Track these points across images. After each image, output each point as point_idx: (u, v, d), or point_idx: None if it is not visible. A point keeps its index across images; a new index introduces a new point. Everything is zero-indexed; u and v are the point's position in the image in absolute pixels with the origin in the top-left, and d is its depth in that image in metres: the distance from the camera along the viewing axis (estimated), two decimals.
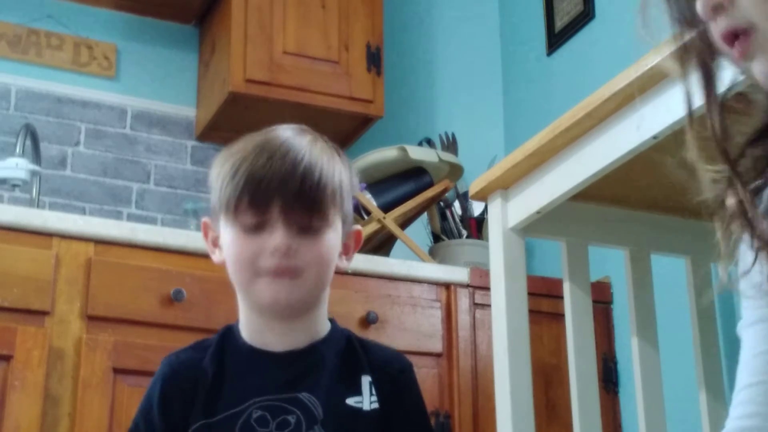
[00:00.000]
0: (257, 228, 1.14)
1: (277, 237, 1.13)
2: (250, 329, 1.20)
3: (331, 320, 1.25)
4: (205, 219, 1.24)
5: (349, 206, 1.22)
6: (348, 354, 1.23)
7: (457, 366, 2.34)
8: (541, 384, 2.32)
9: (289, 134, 1.19)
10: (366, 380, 1.21)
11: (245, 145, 1.19)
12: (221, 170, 1.19)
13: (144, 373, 2.00)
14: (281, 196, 1.13)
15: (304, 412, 1.15)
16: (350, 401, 1.18)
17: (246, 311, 1.21)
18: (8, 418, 1.89)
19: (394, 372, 1.24)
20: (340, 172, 1.19)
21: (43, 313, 1.99)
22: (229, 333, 1.22)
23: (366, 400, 1.20)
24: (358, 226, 1.28)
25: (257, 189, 1.14)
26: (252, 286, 1.15)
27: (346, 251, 1.24)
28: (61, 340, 1.99)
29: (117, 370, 2.01)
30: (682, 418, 2.07)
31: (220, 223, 1.19)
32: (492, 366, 1.75)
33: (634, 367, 1.83)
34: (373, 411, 1.19)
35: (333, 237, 1.18)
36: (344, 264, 1.24)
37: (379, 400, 1.20)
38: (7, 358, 1.92)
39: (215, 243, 1.22)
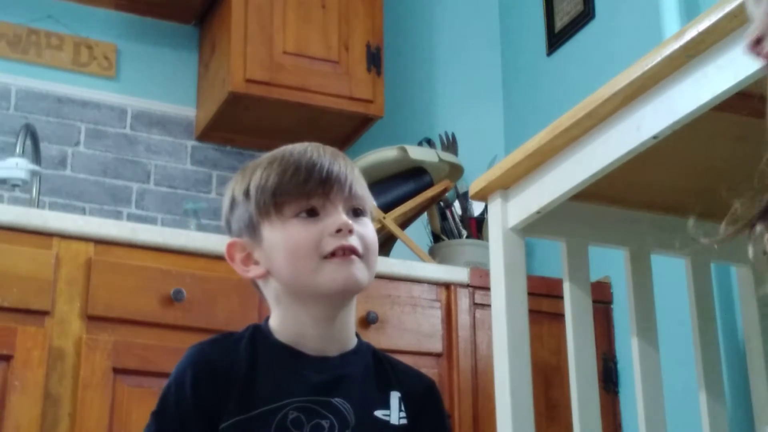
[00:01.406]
0: (312, 213, 1.16)
1: (338, 218, 1.16)
2: (287, 331, 1.19)
3: (356, 334, 1.25)
4: (230, 241, 1.22)
5: None
6: (377, 367, 1.23)
7: (457, 366, 2.34)
8: (541, 384, 2.32)
9: (294, 144, 1.23)
10: (395, 396, 1.21)
11: (260, 160, 1.22)
12: (249, 183, 1.20)
13: (144, 373, 2.01)
14: (326, 179, 1.17)
15: (337, 417, 1.15)
16: (378, 413, 1.19)
17: (287, 314, 1.19)
18: (8, 418, 1.89)
19: (421, 389, 1.25)
20: (356, 168, 1.25)
21: (43, 313, 1.99)
22: (259, 331, 1.21)
23: (394, 414, 1.20)
24: None
25: (300, 177, 1.17)
26: (319, 273, 1.15)
27: None
28: (61, 340, 1.99)
29: (117, 370, 2.01)
30: (682, 418, 2.07)
31: (264, 230, 1.18)
32: (492, 366, 1.75)
33: (634, 367, 1.83)
34: (401, 426, 1.20)
35: (374, 228, 1.22)
36: None
37: (408, 417, 1.20)
38: (7, 358, 1.92)
39: (247, 262, 1.21)
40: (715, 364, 1.89)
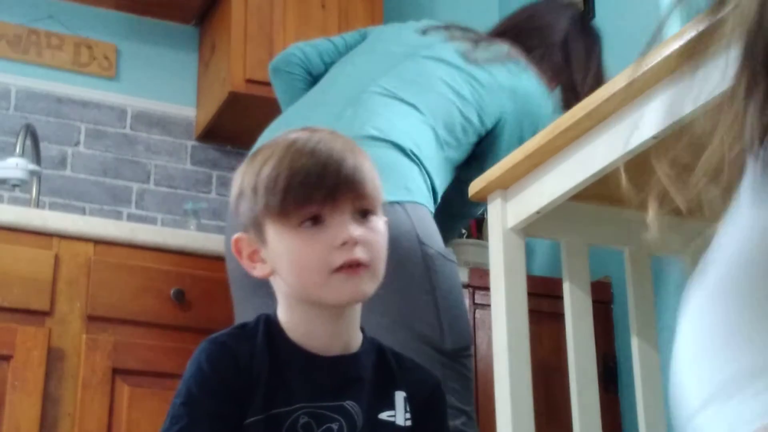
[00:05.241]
0: (317, 220, 1.12)
1: (342, 231, 1.11)
2: (295, 331, 1.17)
3: (361, 329, 1.23)
4: (237, 236, 1.19)
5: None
6: (382, 366, 1.22)
7: None
8: (541, 384, 2.32)
9: (309, 133, 1.17)
10: (400, 396, 1.20)
11: (272, 150, 1.15)
12: (257, 179, 1.14)
13: (144, 373, 2.01)
14: (333, 185, 1.11)
15: (347, 419, 1.14)
16: (383, 415, 1.18)
17: (295, 311, 1.17)
18: (8, 419, 1.89)
19: (427, 389, 1.24)
20: (368, 159, 1.19)
21: (43, 313, 1.99)
22: (273, 326, 1.18)
23: (400, 415, 1.19)
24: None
25: (307, 182, 1.11)
26: (326, 287, 1.12)
27: None
28: (61, 340, 1.99)
29: (117, 370, 2.01)
30: None
31: (268, 232, 1.14)
32: (492, 366, 1.75)
33: (634, 367, 1.83)
34: (407, 428, 1.19)
35: (382, 224, 1.17)
36: None
37: (412, 417, 1.20)
38: (7, 358, 1.93)
39: (254, 258, 1.18)
40: None
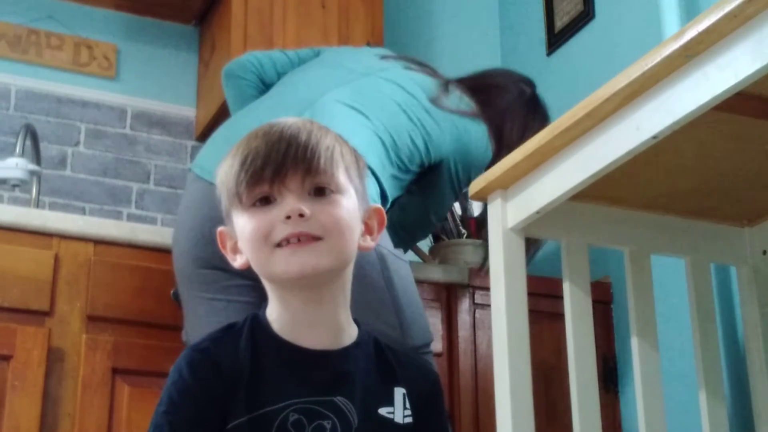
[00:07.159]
0: (265, 202, 1.13)
1: (286, 205, 1.12)
2: (281, 324, 1.17)
3: (356, 321, 1.23)
4: (220, 229, 1.22)
5: (359, 182, 1.20)
6: (379, 361, 1.21)
7: (458, 366, 2.34)
8: (541, 384, 2.32)
9: (272, 122, 1.21)
10: (400, 392, 1.19)
11: (239, 142, 1.20)
12: (221, 169, 1.19)
13: (144, 373, 2.00)
14: (280, 164, 1.12)
15: (339, 417, 1.13)
16: (382, 411, 1.17)
17: (276, 304, 1.18)
18: (8, 419, 1.89)
19: (427, 386, 1.23)
20: (334, 138, 1.18)
21: (43, 313, 1.99)
22: (258, 323, 1.18)
23: (399, 412, 1.18)
24: (377, 204, 1.25)
25: (255, 164, 1.13)
26: (273, 261, 1.12)
27: (369, 231, 1.22)
28: (61, 340, 1.99)
29: (117, 370, 2.01)
30: (682, 418, 2.07)
31: (233, 221, 1.17)
32: (492, 366, 1.75)
33: (634, 367, 1.83)
34: (407, 425, 1.18)
35: (348, 201, 1.16)
36: (369, 243, 1.21)
37: (412, 414, 1.19)
38: (7, 358, 1.92)
39: (234, 250, 1.20)
40: (715, 364, 1.89)
